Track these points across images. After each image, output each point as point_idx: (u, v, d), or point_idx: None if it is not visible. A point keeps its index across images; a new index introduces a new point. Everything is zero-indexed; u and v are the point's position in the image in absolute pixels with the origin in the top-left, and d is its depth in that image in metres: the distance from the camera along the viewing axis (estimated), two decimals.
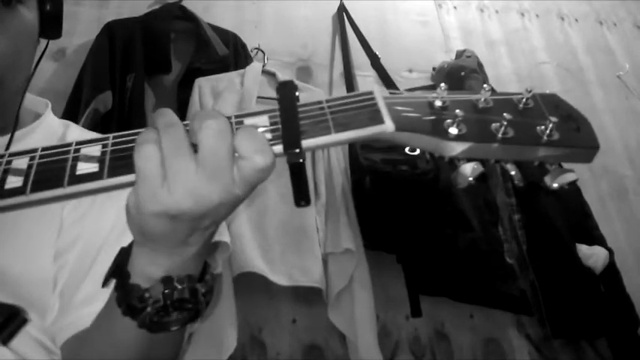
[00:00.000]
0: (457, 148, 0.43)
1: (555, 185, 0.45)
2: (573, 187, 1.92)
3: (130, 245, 0.46)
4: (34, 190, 0.40)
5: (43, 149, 0.42)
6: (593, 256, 1.73)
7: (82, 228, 0.63)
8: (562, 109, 0.46)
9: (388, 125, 0.43)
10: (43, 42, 0.69)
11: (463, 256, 1.63)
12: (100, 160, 0.40)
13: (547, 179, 0.45)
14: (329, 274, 1.58)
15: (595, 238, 1.81)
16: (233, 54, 1.90)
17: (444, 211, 1.67)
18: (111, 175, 0.40)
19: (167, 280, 0.43)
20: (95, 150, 0.41)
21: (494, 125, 0.43)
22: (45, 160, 0.41)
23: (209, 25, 1.92)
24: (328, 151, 1.76)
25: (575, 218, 1.82)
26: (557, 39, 2.56)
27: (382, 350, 1.55)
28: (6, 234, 0.60)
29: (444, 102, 0.44)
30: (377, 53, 2.14)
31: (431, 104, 0.45)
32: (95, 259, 0.61)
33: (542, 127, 0.43)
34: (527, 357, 1.70)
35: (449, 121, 0.43)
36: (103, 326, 0.51)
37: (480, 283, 1.64)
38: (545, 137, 0.43)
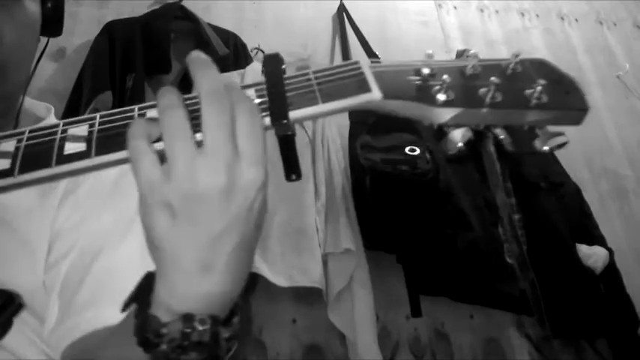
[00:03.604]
0: (446, 115, 0.43)
1: (546, 148, 0.44)
2: (573, 187, 1.93)
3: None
4: (22, 171, 0.39)
5: (30, 131, 0.41)
6: (593, 256, 1.73)
7: (79, 232, 0.61)
8: (551, 72, 0.45)
9: (375, 93, 0.42)
10: (43, 40, 0.69)
11: (463, 256, 1.63)
12: (88, 139, 0.40)
13: (537, 143, 0.45)
14: (329, 274, 1.58)
15: (595, 238, 1.81)
16: (233, 54, 1.90)
17: (443, 211, 1.67)
18: (99, 153, 0.40)
19: (187, 319, 0.39)
20: (82, 130, 0.41)
21: (482, 90, 0.43)
22: (32, 141, 0.41)
23: (209, 25, 1.92)
24: (328, 152, 1.76)
25: (575, 218, 1.82)
26: (557, 39, 2.56)
27: (382, 350, 1.55)
28: None
29: (431, 69, 0.44)
30: (377, 53, 2.14)
31: (418, 71, 0.44)
32: (93, 261, 0.59)
33: (531, 90, 0.43)
34: (527, 357, 1.70)
35: (437, 87, 0.43)
36: (116, 344, 0.48)
37: (480, 283, 1.64)
38: (534, 100, 0.43)
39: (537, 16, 2.62)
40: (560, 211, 1.80)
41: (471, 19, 2.51)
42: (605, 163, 2.17)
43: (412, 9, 2.44)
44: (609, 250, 1.78)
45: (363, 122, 1.73)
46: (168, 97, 0.39)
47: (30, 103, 0.73)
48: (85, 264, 0.59)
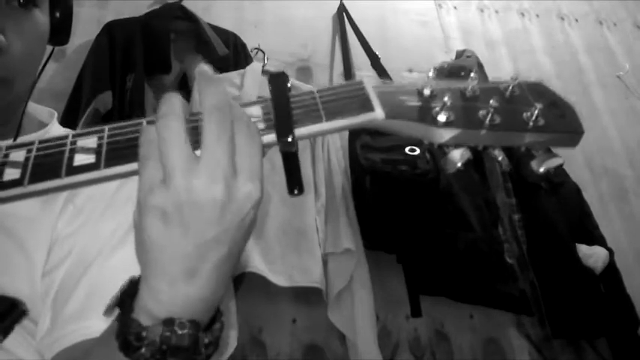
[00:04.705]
0: (446, 135, 0.44)
1: (542, 170, 0.46)
2: (573, 187, 1.93)
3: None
4: (31, 181, 0.40)
5: (40, 142, 0.42)
6: (593, 256, 1.73)
7: (76, 240, 0.61)
8: (547, 96, 0.47)
9: (378, 113, 0.44)
10: (48, 48, 0.69)
11: (463, 256, 1.63)
12: (97, 151, 0.41)
13: (534, 164, 0.46)
14: (329, 274, 1.58)
15: (595, 238, 1.81)
16: (233, 54, 1.90)
17: (444, 211, 1.67)
18: (108, 165, 0.40)
19: (168, 323, 0.39)
20: (91, 142, 0.42)
21: (481, 112, 0.45)
22: (42, 152, 0.41)
23: (209, 25, 1.92)
24: (328, 152, 1.76)
25: (575, 218, 1.82)
26: (557, 39, 2.56)
27: (382, 350, 1.55)
28: None
29: (432, 90, 0.46)
30: (377, 53, 2.14)
31: (420, 92, 0.46)
32: (86, 271, 0.59)
33: (528, 113, 0.45)
34: (527, 357, 1.70)
35: (437, 108, 0.44)
36: (101, 351, 0.47)
37: (480, 283, 1.64)
38: (531, 123, 0.44)
39: (537, 16, 2.62)
40: (560, 211, 1.80)
41: (471, 19, 2.51)
42: (605, 163, 2.17)
43: (412, 9, 2.44)
44: (609, 250, 1.78)
45: None
46: (166, 106, 0.39)
47: (33, 107, 0.72)
48: (79, 272, 0.59)
